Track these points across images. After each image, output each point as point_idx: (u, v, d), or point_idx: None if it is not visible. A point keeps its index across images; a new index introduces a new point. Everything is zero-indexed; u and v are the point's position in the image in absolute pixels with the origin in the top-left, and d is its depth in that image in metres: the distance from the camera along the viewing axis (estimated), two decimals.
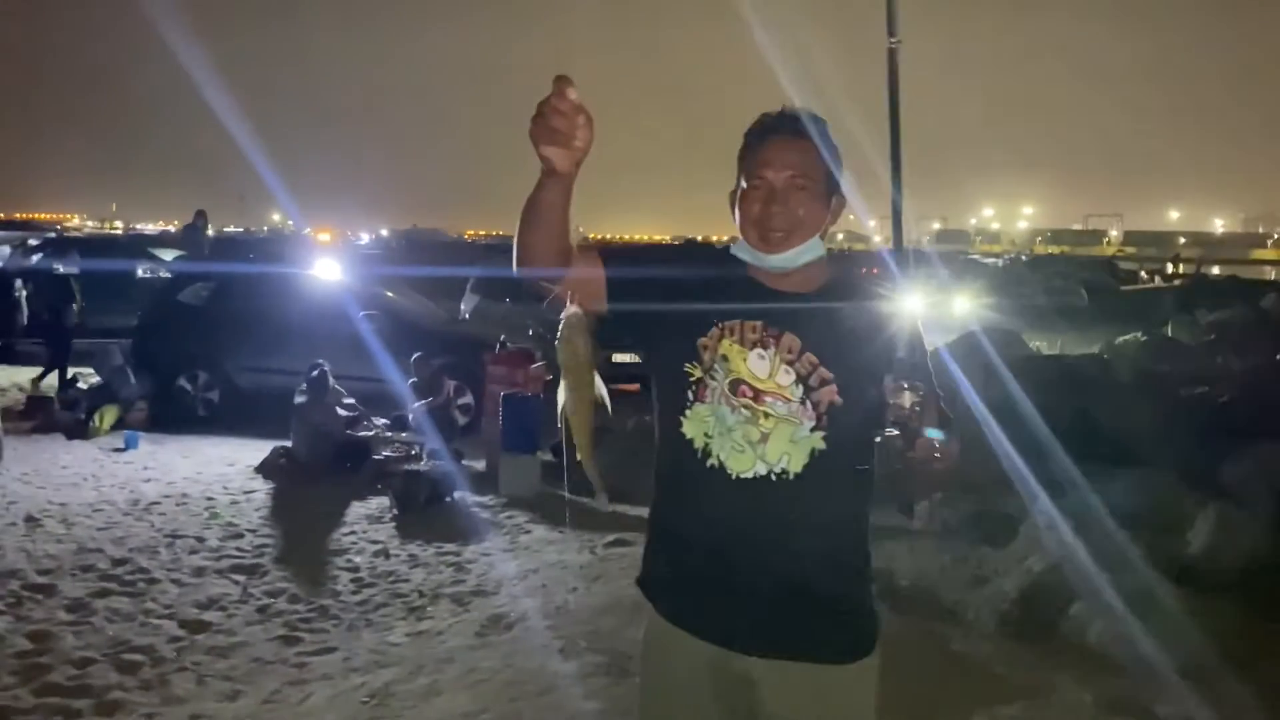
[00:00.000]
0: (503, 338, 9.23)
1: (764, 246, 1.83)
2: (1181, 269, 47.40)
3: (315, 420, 8.06)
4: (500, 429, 7.92)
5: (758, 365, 1.82)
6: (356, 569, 5.81)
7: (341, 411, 8.38)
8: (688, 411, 1.84)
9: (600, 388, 1.81)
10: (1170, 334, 19.13)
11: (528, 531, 6.65)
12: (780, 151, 1.81)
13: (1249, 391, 10.26)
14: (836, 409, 1.79)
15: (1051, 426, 7.09)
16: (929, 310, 24.66)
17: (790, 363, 1.81)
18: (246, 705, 4.05)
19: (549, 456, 8.18)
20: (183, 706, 4.03)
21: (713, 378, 1.83)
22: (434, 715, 3.78)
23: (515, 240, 1.74)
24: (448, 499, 7.29)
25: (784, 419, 1.79)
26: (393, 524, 6.76)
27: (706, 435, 1.83)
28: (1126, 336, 16.77)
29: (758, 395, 1.80)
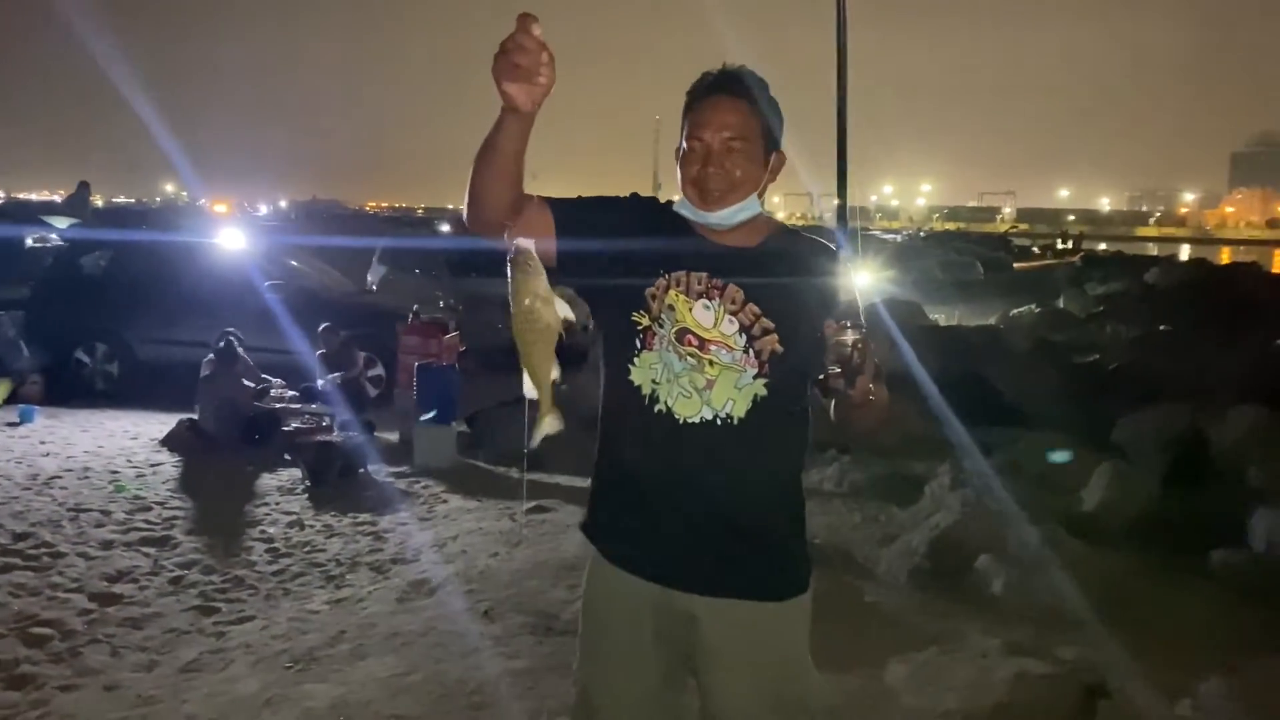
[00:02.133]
0: (415, 308, 9.14)
1: (702, 204, 1.89)
2: (1072, 245, 49.16)
3: (223, 391, 7.87)
4: (414, 400, 7.88)
5: (703, 315, 1.88)
6: (271, 540, 5.73)
7: (249, 383, 8.21)
8: (635, 359, 1.89)
9: (562, 309, 1.80)
10: (1062, 305, 19.93)
11: (444, 501, 6.64)
12: (718, 112, 1.87)
13: (1136, 358, 10.77)
14: (777, 357, 1.86)
15: (951, 392, 7.37)
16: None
17: (734, 313, 1.87)
18: (164, 674, 3.98)
19: (463, 427, 8.17)
20: (97, 678, 3.95)
21: (660, 326, 1.88)
22: (360, 677, 3.78)
23: (470, 184, 1.75)
24: (361, 470, 7.22)
25: (728, 367, 1.86)
26: (305, 495, 6.67)
27: (654, 381, 1.88)
28: (1021, 309, 17.41)
29: (703, 344, 1.87)
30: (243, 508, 6.34)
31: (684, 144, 1.90)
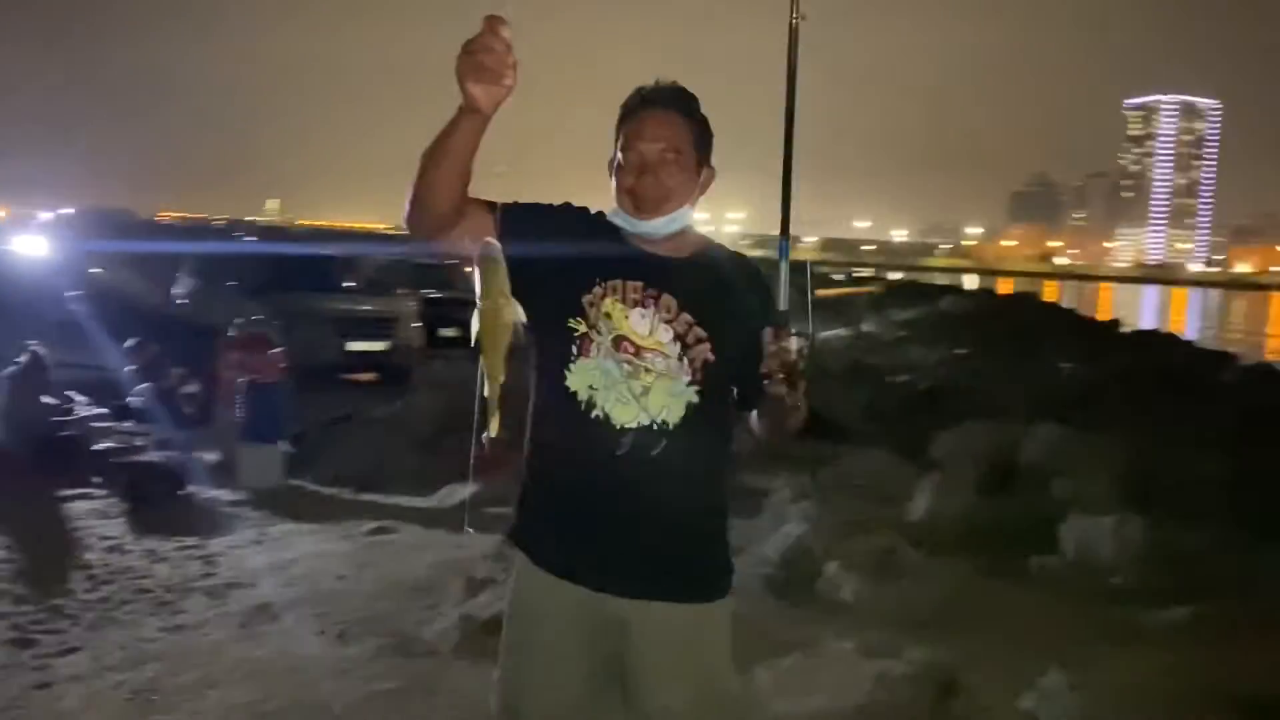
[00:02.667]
0: (239, 322, 8.74)
1: (637, 214, 1.93)
2: (870, 274, 51.97)
3: (26, 410, 7.29)
4: (239, 418, 7.52)
5: (639, 323, 1.91)
6: (89, 566, 5.33)
7: (54, 400, 7.63)
8: (572, 365, 1.91)
9: (517, 311, 1.81)
10: (866, 330, 20.99)
11: (275, 523, 6.35)
12: (652, 125, 1.92)
13: (942, 379, 11.48)
14: (710, 365, 1.92)
15: None
16: None
17: (669, 321, 1.92)
18: None
19: (288, 448, 7.86)
20: None
21: (598, 333, 1.90)
22: (213, 708, 3.59)
23: (416, 181, 1.75)
24: (181, 492, 6.84)
25: (663, 374, 1.90)
26: (123, 519, 6.24)
27: (591, 388, 1.90)
28: (829, 332, 18.25)
29: (639, 351, 1.90)
30: (54, 533, 5.89)
31: (618, 155, 1.94)
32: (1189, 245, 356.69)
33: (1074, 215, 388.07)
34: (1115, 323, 29.57)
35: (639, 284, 1.93)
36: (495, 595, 4.35)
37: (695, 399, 1.91)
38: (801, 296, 1.92)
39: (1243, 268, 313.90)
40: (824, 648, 3.92)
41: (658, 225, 1.93)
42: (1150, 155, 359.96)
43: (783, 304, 1.88)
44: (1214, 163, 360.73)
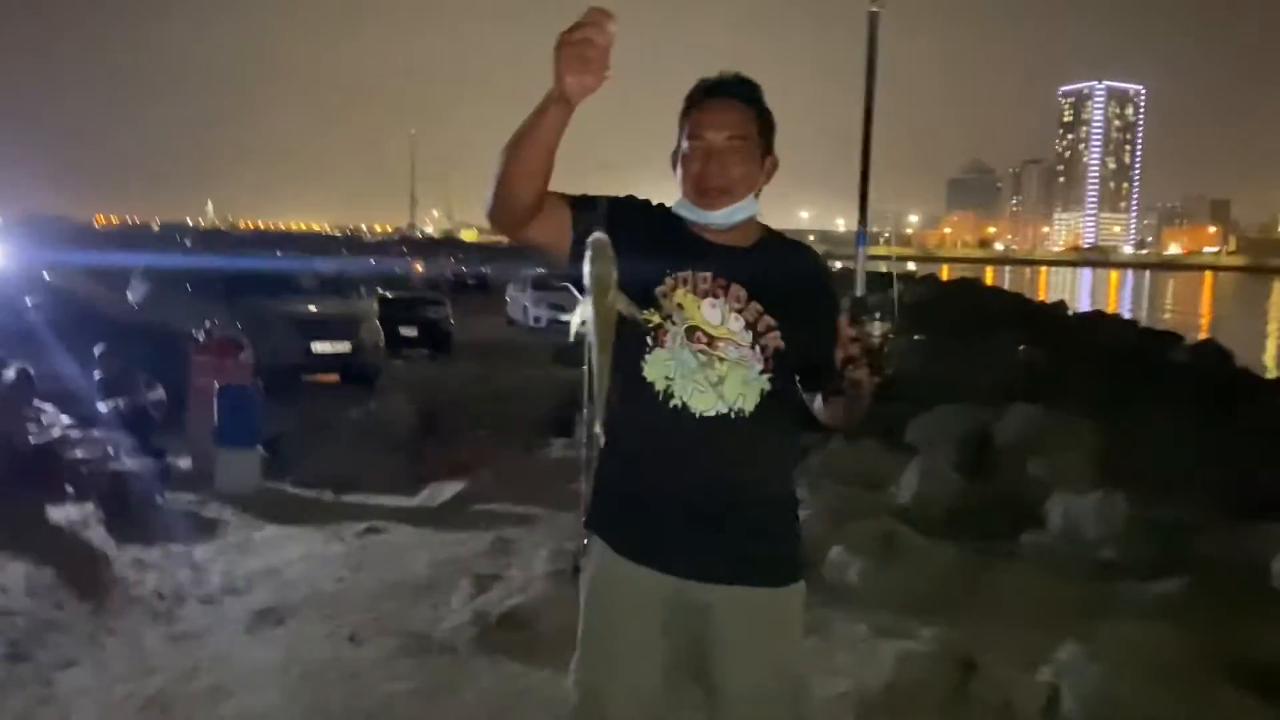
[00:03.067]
0: (208, 326, 8.60)
1: (703, 202, 1.94)
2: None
3: (9, 425, 7.12)
4: (214, 423, 7.41)
5: (710, 313, 1.93)
6: (76, 577, 5.22)
7: (33, 413, 7.47)
8: (648, 356, 1.92)
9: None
10: None
11: (259, 528, 6.27)
12: (718, 113, 1.93)
13: (907, 364, 11.60)
14: (781, 353, 1.94)
15: None
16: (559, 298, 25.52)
17: (739, 310, 1.93)
18: None
19: (264, 451, 7.76)
20: None
21: (673, 323, 1.92)
22: (233, 715, 3.54)
23: (501, 175, 1.75)
24: (159, 499, 6.73)
25: (736, 363, 1.92)
26: (103, 528, 6.12)
27: (668, 378, 1.92)
28: None
29: (712, 341, 1.92)
30: (36, 546, 5.73)
31: (684, 145, 1.95)
32: (1120, 229, 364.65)
33: (1011, 202, 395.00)
34: (1062, 304, 30.22)
35: (708, 274, 1.94)
36: (505, 591, 4.36)
37: (768, 386, 1.93)
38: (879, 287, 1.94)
39: (1174, 249, 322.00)
40: (837, 630, 3.97)
41: (724, 214, 1.94)
42: (1083, 141, 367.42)
43: (860, 289, 1.91)
44: (1141, 147, 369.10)
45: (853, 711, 3.42)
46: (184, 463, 7.75)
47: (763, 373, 1.93)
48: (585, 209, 1.91)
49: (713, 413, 1.91)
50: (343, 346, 12.28)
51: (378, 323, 13.31)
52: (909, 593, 4.38)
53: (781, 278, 1.97)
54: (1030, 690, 3.45)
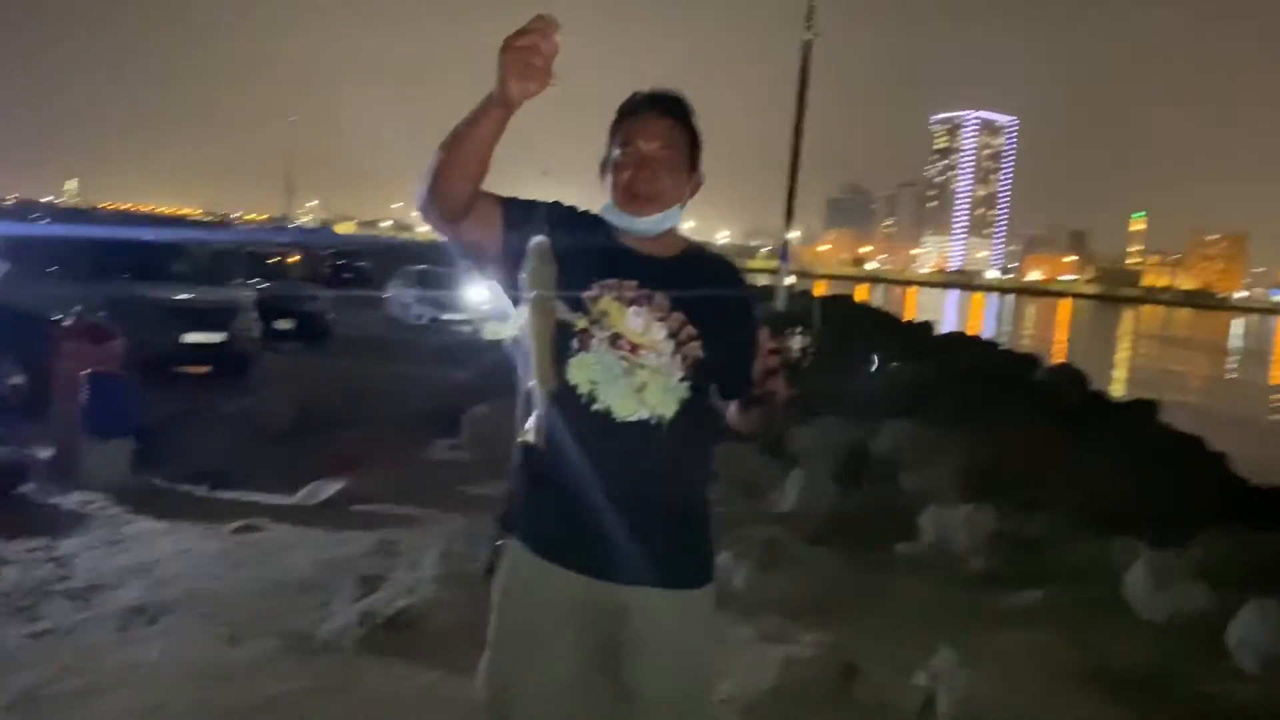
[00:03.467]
0: (77, 309, 8.22)
1: (631, 209, 1.99)
2: None
3: None
4: (82, 411, 7.08)
5: (634, 321, 1.97)
6: None
7: None
8: (572, 360, 1.94)
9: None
10: None
11: (129, 522, 6.03)
12: (650, 125, 1.98)
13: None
14: (701, 362, 1.99)
15: None
16: (499, 300, 25.40)
17: (662, 319, 1.98)
18: None
19: (134, 443, 7.46)
20: None
21: (599, 328, 1.95)
22: (107, 715, 3.41)
23: (436, 172, 1.77)
24: (17, 490, 6.40)
25: (657, 370, 1.96)
26: None
27: (592, 382, 1.95)
28: None
29: (634, 348, 1.96)
30: None
31: (615, 152, 1.99)
32: (986, 253, 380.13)
33: (884, 223, 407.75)
34: (929, 325, 31.36)
35: (633, 282, 1.99)
36: (394, 592, 4.31)
37: (687, 394, 1.99)
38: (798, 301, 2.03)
39: (1035, 275, 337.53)
40: (725, 635, 4.06)
41: (650, 223, 1.99)
42: (954, 168, 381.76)
43: (781, 303, 1.98)
44: (1010, 176, 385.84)
45: (739, 715, 3.51)
46: (47, 453, 7.39)
47: (683, 380, 1.98)
48: (515, 211, 1.94)
49: (635, 418, 1.95)
50: (217, 337, 11.87)
51: (255, 314, 12.90)
52: (792, 599, 4.51)
53: (703, 289, 2.03)
54: (908, 694, 3.60)
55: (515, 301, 1.95)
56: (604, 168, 2.02)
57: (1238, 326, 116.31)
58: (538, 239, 1.78)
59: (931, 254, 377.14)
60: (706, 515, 2.10)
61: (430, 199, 1.82)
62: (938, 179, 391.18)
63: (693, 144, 2.03)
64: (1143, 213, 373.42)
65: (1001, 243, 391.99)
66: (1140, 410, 13.41)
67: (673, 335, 1.98)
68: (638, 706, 2.00)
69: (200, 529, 5.81)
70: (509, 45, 1.62)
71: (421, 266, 24.60)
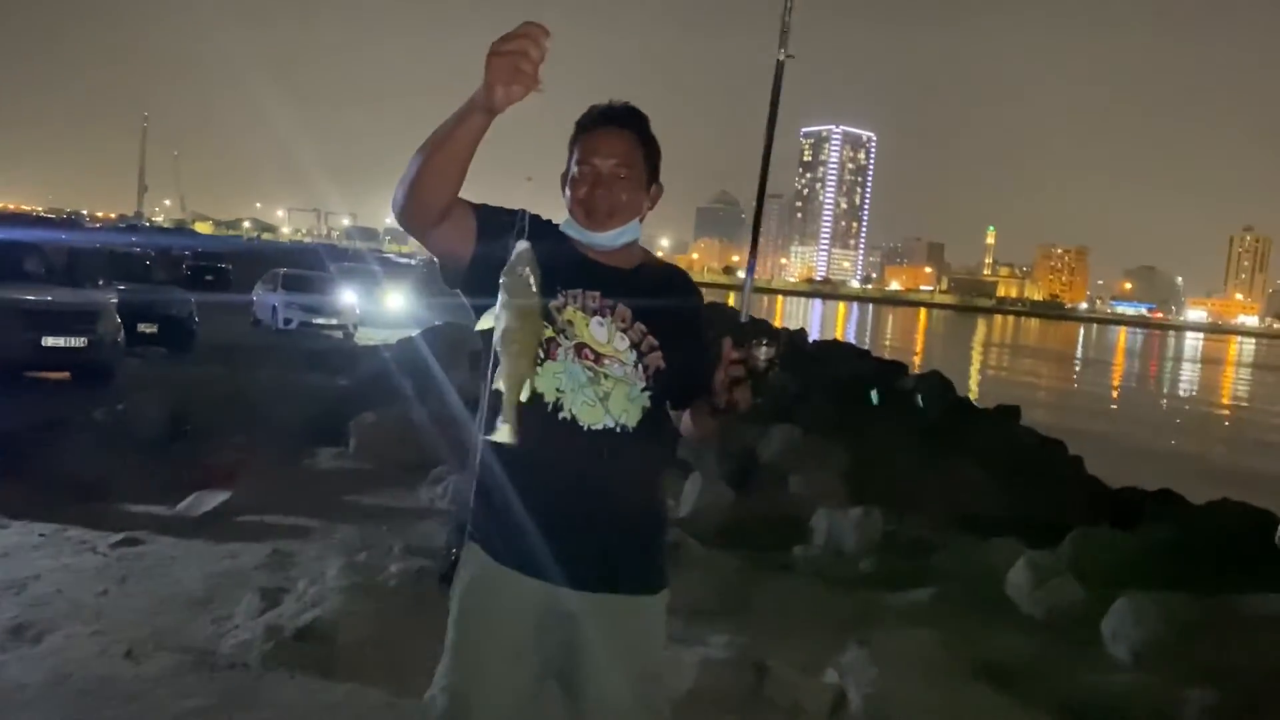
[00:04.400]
0: None
1: (590, 225, 2.02)
2: None
3: None
4: None
5: (598, 331, 2.00)
6: None
7: None
8: (539, 369, 1.95)
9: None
10: None
11: None
12: (607, 141, 2.02)
13: None
14: (662, 372, 2.04)
15: None
16: (371, 305, 24.76)
17: (624, 330, 2.02)
18: None
19: None
20: None
21: (565, 338, 1.98)
22: None
23: (415, 176, 1.77)
24: None
25: (620, 380, 2.00)
26: None
27: (559, 390, 1.97)
28: None
29: (598, 358, 1.99)
30: None
31: (573, 169, 2.03)
32: (849, 264, 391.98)
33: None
34: (803, 332, 32.15)
35: (597, 294, 2.02)
36: (299, 604, 4.21)
37: (648, 404, 2.03)
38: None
39: (895, 285, 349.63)
40: None
41: (608, 237, 2.03)
42: (820, 181, 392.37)
43: (745, 315, 2.03)
44: (870, 190, 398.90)
45: None
46: None
47: (644, 390, 2.02)
48: (489, 218, 1.95)
49: (600, 426, 1.98)
50: (77, 341, 11.31)
51: (118, 317, 12.34)
52: (697, 601, 4.58)
53: (663, 301, 2.08)
54: (818, 692, 3.72)
55: (477, 311, 1.96)
56: (564, 181, 2.05)
57: (1085, 336, 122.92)
58: (523, 244, 1.79)
59: (798, 264, 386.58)
60: (664, 521, 2.15)
61: (408, 204, 1.81)
62: (804, 190, 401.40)
63: (649, 157, 2.07)
64: (992, 226, 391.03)
65: (863, 254, 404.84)
66: (1004, 416, 14.05)
67: (635, 345, 2.02)
68: (589, 712, 2.03)
69: (75, 543, 5.54)
70: (497, 50, 1.62)
71: (289, 269, 23.94)
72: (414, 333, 14.24)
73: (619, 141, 2.02)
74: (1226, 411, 36.99)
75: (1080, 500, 9.64)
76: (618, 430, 1.99)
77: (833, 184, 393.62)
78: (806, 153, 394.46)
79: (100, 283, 13.87)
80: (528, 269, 1.78)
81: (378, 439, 8.07)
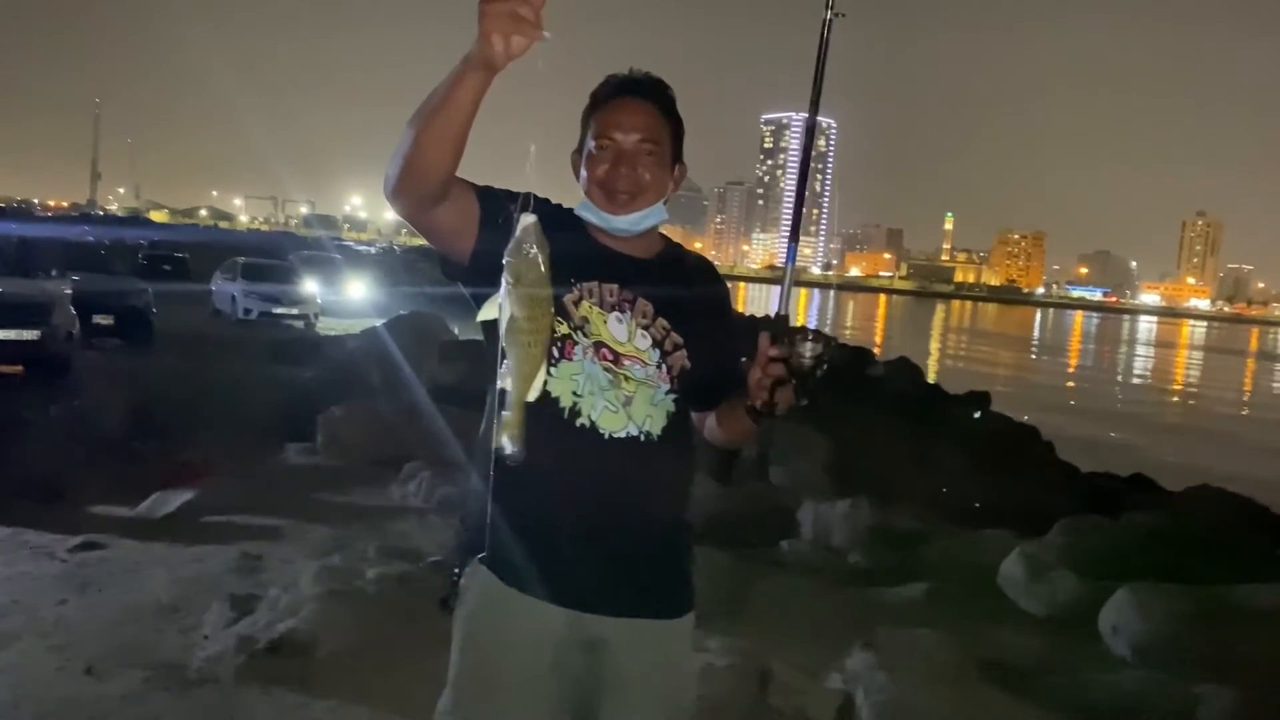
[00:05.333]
0: None
1: (610, 207, 1.81)
2: None
3: None
4: None
5: (616, 328, 1.80)
6: None
7: None
8: (553, 370, 1.75)
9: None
10: None
11: None
12: (629, 114, 1.81)
13: None
14: (687, 374, 1.84)
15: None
16: (332, 294, 24.38)
17: (645, 327, 1.82)
18: None
19: None
20: None
21: (582, 335, 1.77)
22: None
23: (411, 147, 1.53)
24: None
25: (643, 382, 1.80)
26: None
27: (575, 394, 1.76)
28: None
29: (617, 358, 1.79)
30: None
31: (590, 144, 1.82)
32: (810, 250, 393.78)
33: (716, 219, 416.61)
34: (768, 319, 32.10)
35: (614, 286, 1.81)
36: (273, 614, 3.98)
37: (673, 408, 1.83)
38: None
39: (855, 272, 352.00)
40: None
41: (632, 221, 1.82)
42: (781, 167, 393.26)
43: (784, 308, 1.84)
44: (831, 177, 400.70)
45: None
46: None
47: (669, 393, 1.83)
48: (493, 200, 1.72)
49: (623, 434, 1.78)
50: (30, 334, 10.91)
51: (72, 309, 11.94)
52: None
53: (686, 293, 1.88)
54: (824, 699, 3.56)
55: (479, 303, 1.74)
56: (577, 160, 1.85)
57: (1042, 320, 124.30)
58: (529, 217, 1.54)
59: (760, 251, 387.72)
60: (690, 538, 1.96)
61: (402, 181, 1.58)
62: (765, 177, 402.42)
63: (675, 133, 1.87)
64: (950, 213, 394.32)
65: (824, 240, 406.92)
66: (976, 402, 14.02)
67: (658, 344, 1.83)
68: None
69: (33, 549, 5.26)
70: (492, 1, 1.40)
71: (249, 258, 23.46)
72: (378, 322, 13.93)
73: (642, 114, 1.82)
74: (1178, 397, 37.45)
75: (1059, 487, 9.59)
76: (642, 439, 1.79)
77: (793, 171, 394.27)
78: (767, 139, 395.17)
79: (54, 273, 13.43)
80: (535, 247, 1.52)
81: (347, 434, 7.82)
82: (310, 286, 22.65)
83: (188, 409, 9.54)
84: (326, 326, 20.75)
